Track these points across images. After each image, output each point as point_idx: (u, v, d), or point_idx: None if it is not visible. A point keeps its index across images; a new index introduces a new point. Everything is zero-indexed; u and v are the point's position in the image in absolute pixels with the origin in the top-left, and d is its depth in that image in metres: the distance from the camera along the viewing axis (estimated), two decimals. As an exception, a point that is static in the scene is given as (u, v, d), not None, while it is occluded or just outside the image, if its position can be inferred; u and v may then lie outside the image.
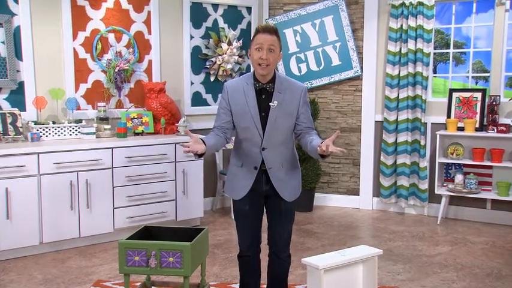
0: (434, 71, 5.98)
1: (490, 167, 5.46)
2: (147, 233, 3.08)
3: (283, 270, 3.11)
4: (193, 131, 5.65)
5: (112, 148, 4.76)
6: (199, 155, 2.68)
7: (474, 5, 5.60)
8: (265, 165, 2.92)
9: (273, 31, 2.80)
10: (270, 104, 2.84)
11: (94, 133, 4.96)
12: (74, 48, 5.10)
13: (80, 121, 5.01)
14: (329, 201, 6.26)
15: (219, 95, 6.04)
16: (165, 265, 2.72)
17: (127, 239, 2.84)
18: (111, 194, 4.79)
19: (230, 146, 5.88)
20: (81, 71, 5.16)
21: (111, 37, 5.31)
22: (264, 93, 2.87)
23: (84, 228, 4.67)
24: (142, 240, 2.81)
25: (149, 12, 5.51)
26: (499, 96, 5.38)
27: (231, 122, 2.93)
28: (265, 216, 3.10)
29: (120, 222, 4.86)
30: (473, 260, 4.44)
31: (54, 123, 4.88)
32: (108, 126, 5.10)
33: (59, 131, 4.89)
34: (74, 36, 5.09)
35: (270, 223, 3.07)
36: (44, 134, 4.80)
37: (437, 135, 5.47)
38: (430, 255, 4.56)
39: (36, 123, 4.80)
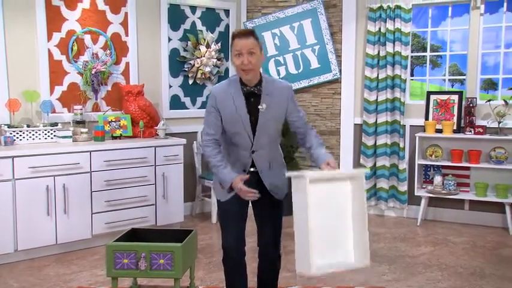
0: (412, 74, 6.04)
1: (468, 168, 5.53)
2: (134, 235, 2.98)
3: (274, 271, 3.05)
4: (172, 134, 5.57)
5: (90, 152, 4.63)
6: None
7: (450, 9, 5.68)
8: (256, 167, 2.88)
9: (249, 33, 2.76)
10: (259, 107, 2.80)
11: (70, 137, 4.82)
12: (49, 50, 4.95)
13: (55, 124, 4.85)
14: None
15: (198, 98, 6.00)
16: (155, 267, 2.63)
17: (114, 241, 2.73)
18: (89, 198, 4.65)
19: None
20: (56, 73, 5.01)
21: (88, 38, 5.18)
22: (252, 96, 2.83)
23: (61, 234, 4.51)
24: (131, 242, 2.70)
25: (126, 14, 5.41)
26: (476, 98, 5.46)
27: (222, 127, 2.86)
28: (253, 219, 3.04)
29: (99, 228, 4.71)
30: (456, 259, 4.46)
31: (28, 126, 4.72)
32: (85, 130, 4.96)
33: (33, 135, 4.73)
34: (49, 37, 4.94)
35: (260, 224, 3.01)
36: (17, 137, 4.63)
37: (417, 137, 5.52)
38: (414, 255, 4.56)
39: (9, 126, 4.63)
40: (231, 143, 2.88)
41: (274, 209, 2.98)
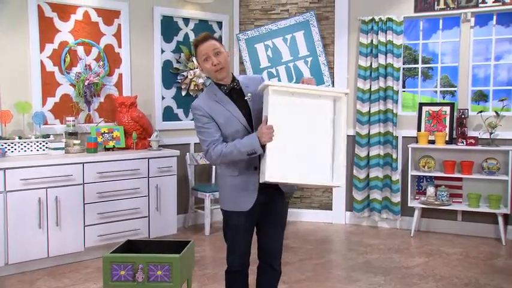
0: (403, 86, 6.08)
1: (460, 179, 5.56)
2: (130, 247, 2.94)
3: (274, 281, 3.01)
4: (165, 146, 5.54)
5: (83, 163, 4.59)
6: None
7: (440, 21, 5.75)
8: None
9: (208, 37, 2.82)
10: (246, 98, 2.82)
11: (63, 148, 4.78)
12: (42, 61, 4.92)
13: (47, 136, 4.81)
14: (302, 216, 6.21)
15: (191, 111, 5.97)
16: (153, 279, 2.59)
17: (111, 253, 2.70)
18: (82, 211, 4.59)
19: (203, 162, 5.79)
20: (48, 85, 4.98)
21: (80, 50, 5.16)
22: (234, 93, 2.86)
23: (53, 247, 4.44)
24: (128, 254, 2.67)
25: (119, 25, 5.40)
26: (467, 109, 5.50)
27: (220, 131, 2.84)
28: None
29: (91, 240, 4.65)
30: (450, 270, 4.46)
31: (20, 138, 4.67)
32: (78, 141, 4.92)
33: (25, 146, 4.68)
34: (42, 49, 4.92)
35: (262, 232, 2.97)
36: (9, 149, 4.58)
37: (409, 148, 5.54)
38: (408, 266, 4.56)
39: (0, 138, 4.58)
40: None
41: (279, 218, 2.96)
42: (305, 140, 2.73)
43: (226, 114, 2.81)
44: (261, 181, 2.69)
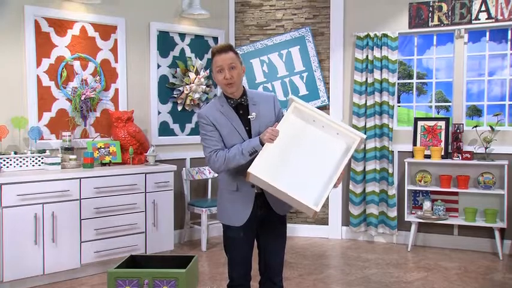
0: (398, 101, 6.12)
1: (456, 194, 5.58)
2: (133, 262, 2.90)
3: None
4: (161, 161, 5.51)
5: (80, 178, 4.54)
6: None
7: (435, 37, 5.82)
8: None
9: (228, 48, 2.81)
10: (249, 117, 2.84)
11: (59, 163, 4.72)
12: (38, 76, 4.89)
13: (43, 151, 4.76)
14: (298, 231, 6.19)
15: (187, 125, 5.98)
16: (158, 295, 2.55)
17: (115, 268, 2.66)
18: (78, 227, 4.54)
19: (199, 177, 5.76)
20: (44, 99, 4.94)
21: (77, 65, 5.14)
22: (240, 108, 2.87)
23: (49, 264, 4.37)
24: (133, 269, 2.63)
25: (116, 40, 5.39)
26: (463, 124, 5.55)
27: (223, 142, 2.85)
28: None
29: (88, 257, 4.59)
30: (450, 285, 4.46)
31: (16, 153, 4.62)
32: (74, 157, 4.88)
33: (21, 162, 4.62)
34: (38, 63, 4.89)
35: (263, 247, 2.97)
36: (4, 164, 4.53)
37: (406, 163, 5.57)
38: (408, 281, 4.54)
39: (-4, 153, 4.53)
40: None
41: (279, 233, 2.96)
42: (304, 160, 2.74)
43: (229, 127, 2.82)
44: (246, 178, 2.68)
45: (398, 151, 5.84)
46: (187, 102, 5.90)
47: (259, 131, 2.81)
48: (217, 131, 2.83)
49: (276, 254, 2.96)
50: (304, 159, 2.74)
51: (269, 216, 2.89)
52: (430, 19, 5.69)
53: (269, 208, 2.87)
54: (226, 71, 2.76)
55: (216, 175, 5.70)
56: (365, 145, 5.85)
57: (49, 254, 4.37)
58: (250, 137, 2.82)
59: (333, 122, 2.75)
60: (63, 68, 5.03)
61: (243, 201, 2.82)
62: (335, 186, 2.67)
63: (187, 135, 5.98)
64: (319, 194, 2.65)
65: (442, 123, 5.68)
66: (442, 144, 5.62)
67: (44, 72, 4.94)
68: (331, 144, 2.76)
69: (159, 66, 5.73)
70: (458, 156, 5.43)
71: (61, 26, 5.02)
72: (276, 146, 2.69)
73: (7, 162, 4.54)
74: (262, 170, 2.62)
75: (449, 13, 5.60)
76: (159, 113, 5.75)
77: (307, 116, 2.79)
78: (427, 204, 5.56)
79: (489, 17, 5.44)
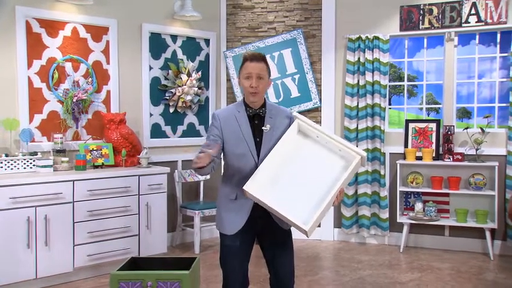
0: (389, 103, 6.17)
1: (447, 195, 5.63)
2: (135, 264, 2.87)
3: None
4: (153, 163, 5.47)
5: (73, 181, 4.49)
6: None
7: (425, 40, 5.87)
8: None
9: (261, 58, 2.81)
10: (263, 128, 2.83)
11: (51, 166, 4.66)
12: (29, 77, 4.82)
13: (35, 153, 4.70)
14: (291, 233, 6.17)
15: (179, 127, 5.94)
16: (162, 297, 2.53)
17: (117, 270, 2.62)
18: (72, 230, 4.48)
19: (191, 179, 5.73)
20: (36, 101, 4.87)
21: (69, 66, 5.08)
22: (256, 118, 2.87)
23: (41, 268, 4.31)
24: (137, 271, 2.60)
25: (108, 42, 5.35)
26: (453, 126, 5.60)
27: (221, 145, 2.84)
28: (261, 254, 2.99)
29: (81, 260, 4.53)
30: (444, 285, 4.49)
31: (7, 155, 4.55)
32: (66, 159, 4.82)
33: (12, 164, 4.55)
34: (29, 65, 4.82)
35: (271, 258, 2.94)
36: (-5, 167, 4.46)
37: (398, 164, 5.60)
38: (403, 282, 4.57)
39: (-13, 155, 4.46)
40: (236, 167, 2.83)
41: (285, 242, 2.94)
42: (300, 177, 2.73)
43: (238, 133, 2.82)
44: (244, 194, 2.69)
45: (390, 153, 5.87)
46: (179, 104, 5.87)
47: (270, 144, 2.81)
48: (221, 134, 2.83)
49: (286, 263, 2.92)
50: (298, 174, 2.74)
51: (272, 228, 2.87)
52: (420, 22, 5.74)
53: (271, 219, 2.83)
54: (253, 80, 2.76)
55: (208, 177, 5.68)
56: (357, 147, 5.86)
57: (42, 258, 4.31)
58: (258, 147, 2.81)
59: (335, 140, 2.76)
60: (54, 70, 4.97)
61: (239, 211, 2.81)
62: (333, 204, 2.66)
63: (179, 137, 5.95)
64: (311, 212, 2.60)
65: (433, 125, 5.74)
66: (433, 146, 5.67)
67: (35, 73, 4.87)
68: (331, 162, 2.76)
69: (151, 68, 5.70)
70: (449, 158, 5.49)
71: (52, 27, 4.96)
72: (276, 162, 2.69)
73: (-2, 165, 4.47)
74: (257, 187, 2.62)
75: (440, 16, 5.66)
76: (150, 115, 5.71)
77: (310, 133, 2.81)
78: (418, 206, 5.60)
79: (479, 20, 5.51)
